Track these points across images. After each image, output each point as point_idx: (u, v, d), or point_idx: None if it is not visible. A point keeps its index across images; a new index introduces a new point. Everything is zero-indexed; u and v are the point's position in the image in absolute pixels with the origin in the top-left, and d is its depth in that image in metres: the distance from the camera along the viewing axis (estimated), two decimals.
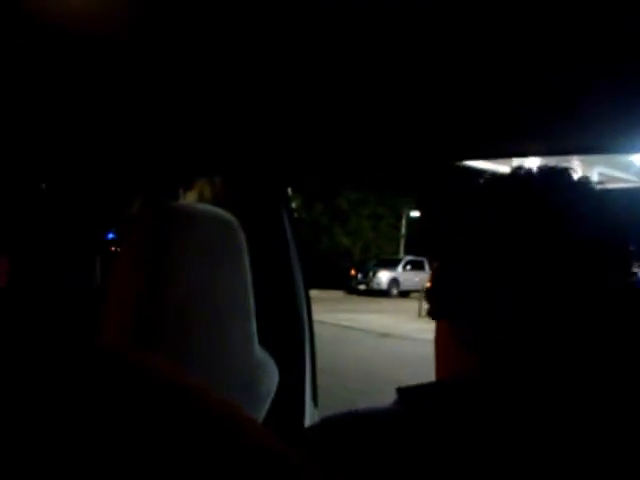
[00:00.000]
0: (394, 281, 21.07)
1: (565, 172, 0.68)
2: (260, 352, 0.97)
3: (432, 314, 0.72)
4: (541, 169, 0.69)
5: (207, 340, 0.89)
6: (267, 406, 0.97)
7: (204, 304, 0.89)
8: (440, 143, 1.18)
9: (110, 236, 1.03)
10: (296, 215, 1.64)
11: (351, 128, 1.12)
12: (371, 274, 21.34)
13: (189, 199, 1.46)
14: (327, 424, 0.67)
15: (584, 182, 0.68)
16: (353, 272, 21.80)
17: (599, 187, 0.68)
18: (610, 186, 0.79)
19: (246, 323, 0.95)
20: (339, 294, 19.84)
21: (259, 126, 1.15)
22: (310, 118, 1.08)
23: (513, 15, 0.64)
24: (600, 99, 0.87)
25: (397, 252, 24.39)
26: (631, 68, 0.73)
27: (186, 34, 0.73)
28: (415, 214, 23.77)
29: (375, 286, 20.93)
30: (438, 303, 0.71)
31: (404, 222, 24.74)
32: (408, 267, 21.45)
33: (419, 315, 13.29)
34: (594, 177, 0.80)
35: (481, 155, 1.24)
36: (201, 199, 1.42)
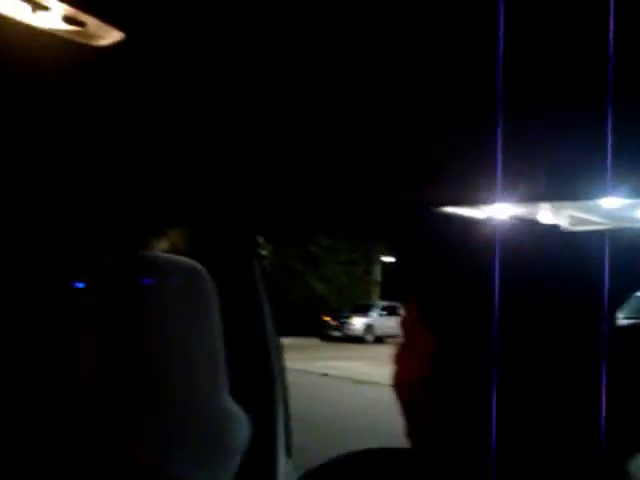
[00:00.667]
0: (369, 327, 21.00)
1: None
2: (231, 403, 0.96)
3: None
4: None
5: (177, 391, 0.88)
6: (239, 458, 0.95)
7: (174, 354, 0.88)
8: (414, 190, 1.19)
9: (80, 286, 1.01)
10: (268, 262, 1.64)
11: (321, 175, 1.14)
12: (346, 320, 21.26)
13: (160, 248, 1.45)
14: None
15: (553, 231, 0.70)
16: (328, 318, 21.71)
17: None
18: (580, 228, 0.80)
19: (216, 374, 0.93)
20: (314, 341, 19.71)
21: (229, 175, 1.16)
22: (280, 165, 1.10)
23: (471, 66, 0.66)
24: (566, 149, 0.90)
25: (371, 298, 24.40)
26: (592, 117, 0.75)
27: (146, 78, 0.74)
28: (389, 259, 23.92)
29: (350, 332, 20.83)
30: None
31: (378, 268, 24.83)
32: (383, 313, 21.43)
33: None
34: (565, 220, 0.82)
35: (453, 202, 1.26)
36: (171, 248, 1.42)
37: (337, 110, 0.82)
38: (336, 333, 21.09)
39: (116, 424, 0.83)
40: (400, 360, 0.73)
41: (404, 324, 0.72)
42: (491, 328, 0.61)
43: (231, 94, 0.77)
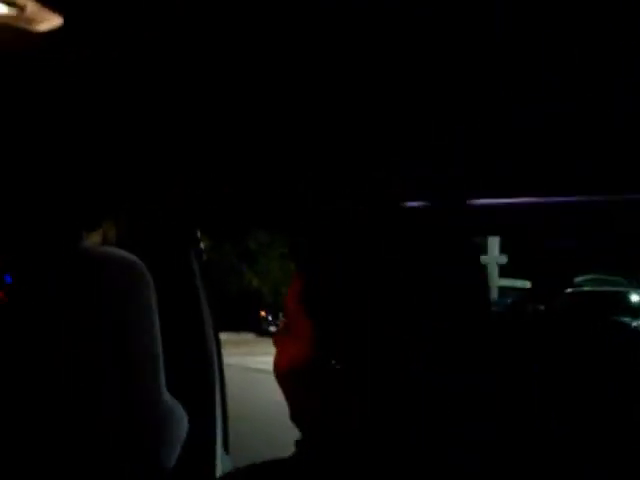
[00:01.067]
0: None
1: None
2: (169, 398, 0.95)
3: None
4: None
5: (114, 387, 0.86)
6: (177, 454, 0.95)
7: (111, 350, 0.87)
8: (315, 187, 1.24)
9: (8, 280, 0.98)
10: (205, 256, 1.62)
11: (258, 169, 1.14)
12: (281, 315, 21.24)
13: (92, 241, 1.41)
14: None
15: None
16: (263, 313, 21.63)
17: None
18: None
19: (154, 369, 0.92)
20: (250, 336, 19.62)
21: (166, 164, 1.14)
22: (218, 158, 1.09)
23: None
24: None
25: None
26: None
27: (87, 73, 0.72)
28: None
29: None
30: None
31: None
32: None
33: None
34: None
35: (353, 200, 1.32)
36: (105, 241, 1.38)
37: (254, 109, 0.83)
38: (272, 328, 21.04)
39: (54, 422, 0.81)
40: (281, 346, 0.71)
41: (286, 308, 0.72)
42: (374, 321, 0.62)
43: (168, 89, 0.76)
